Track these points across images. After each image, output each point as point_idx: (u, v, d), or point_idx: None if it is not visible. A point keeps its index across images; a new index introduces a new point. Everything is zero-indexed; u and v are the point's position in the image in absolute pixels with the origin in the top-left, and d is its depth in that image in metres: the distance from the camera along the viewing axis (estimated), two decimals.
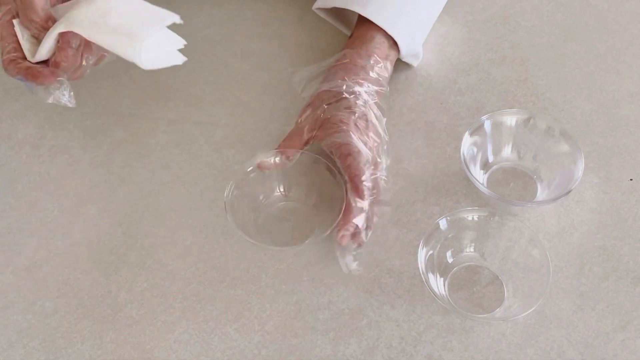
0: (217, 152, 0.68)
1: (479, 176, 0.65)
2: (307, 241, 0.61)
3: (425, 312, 0.58)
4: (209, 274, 0.61)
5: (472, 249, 0.61)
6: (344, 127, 0.61)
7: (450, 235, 0.60)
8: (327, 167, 0.62)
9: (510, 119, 0.66)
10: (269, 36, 0.77)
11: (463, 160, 0.62)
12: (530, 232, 0.59)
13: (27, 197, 0.66)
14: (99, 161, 0.68)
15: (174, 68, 0.73)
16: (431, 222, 0.61)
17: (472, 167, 0.63)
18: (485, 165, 0.66)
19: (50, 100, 0.59)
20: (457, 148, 0.68)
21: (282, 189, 0.64)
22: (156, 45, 0.58)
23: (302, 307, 0.59)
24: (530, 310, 0.55)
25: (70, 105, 0.60)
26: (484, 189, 0.62)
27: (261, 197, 0.64)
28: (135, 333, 0.58)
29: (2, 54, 0.60)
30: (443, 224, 0.59)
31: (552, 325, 0.58)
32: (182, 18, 0.59)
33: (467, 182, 0.66)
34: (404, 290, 0.60)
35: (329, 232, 0.59)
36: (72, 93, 0.60)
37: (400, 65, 0.74)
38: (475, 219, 0.60)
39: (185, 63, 0.61)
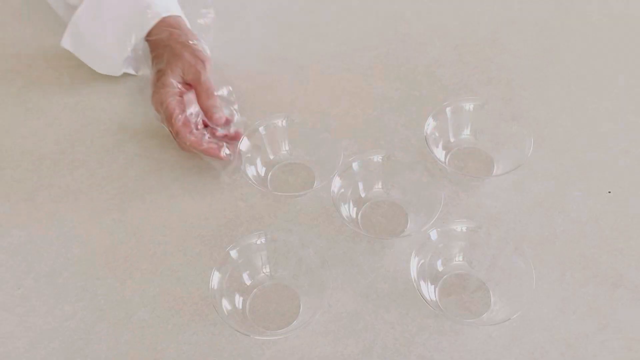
0: (225, 168, 0.69)
1: (441, 156, 0.69)
2: (308, 190, 0.67)
3: (418, 315, 0.60)
4: None
5: (460, 258, 0.62)
6: None
7: (440, 245, 0.61)
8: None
9: (468, 104, 0.70)
10: None
11: (426, 141, 0.67)
12: (515, 242, 0.60)
13: (48, 209, 0.67)
14: (115, 175, 0.69)
15: None
16: (423, 233, 0.62)
17: (434, 148, 0.68)
18: (447, 146, 0.70)
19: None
20: (448, 163, 0.70)
21: (287, 148, 0.70)
22: None
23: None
24: (515, 315, 0.56)
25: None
26: (446, 167, 0.67)
27: (270, 155, 0.70)
28: (148, 335, 0.59)
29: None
30: (434, 234, 0.61)
31: (536, 328, 0.59)
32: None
33: (456, 194, 0.67)
34: (398, 295, 0.61)
35: (325, 182, 0.65)
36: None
37: (395, 83, 0.75)
38: (464, 230, 0.62)
39: None
